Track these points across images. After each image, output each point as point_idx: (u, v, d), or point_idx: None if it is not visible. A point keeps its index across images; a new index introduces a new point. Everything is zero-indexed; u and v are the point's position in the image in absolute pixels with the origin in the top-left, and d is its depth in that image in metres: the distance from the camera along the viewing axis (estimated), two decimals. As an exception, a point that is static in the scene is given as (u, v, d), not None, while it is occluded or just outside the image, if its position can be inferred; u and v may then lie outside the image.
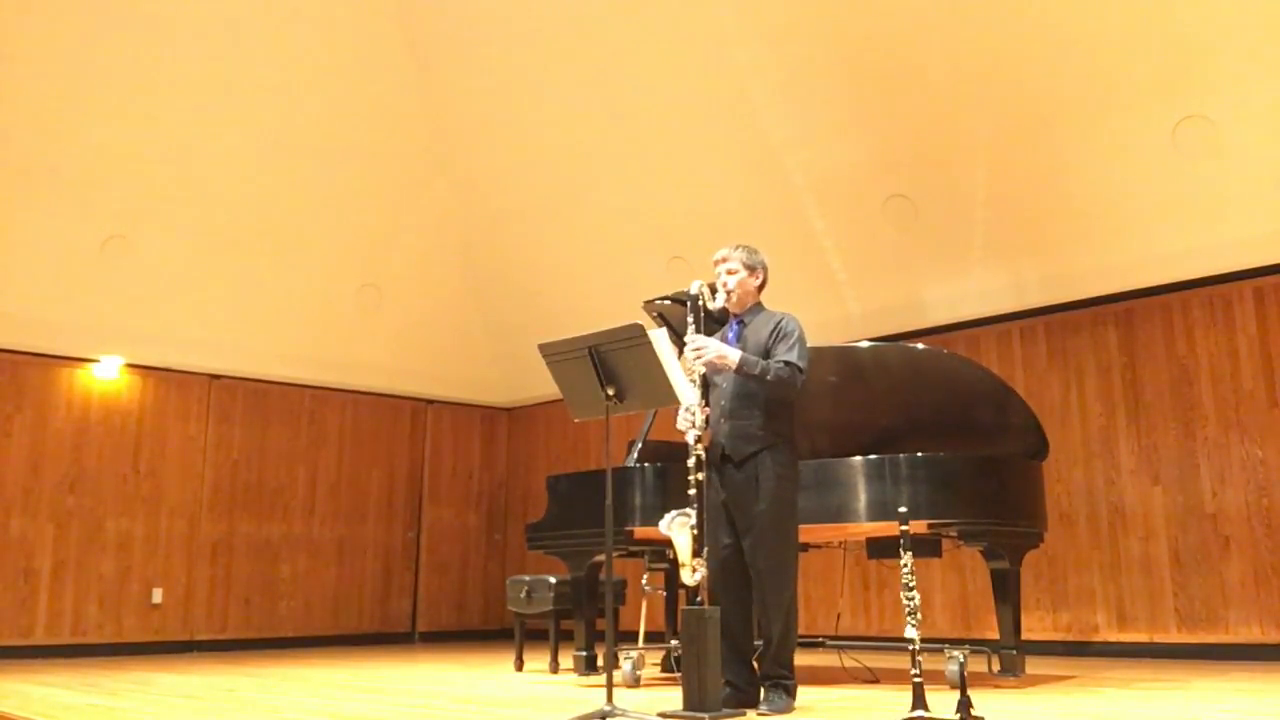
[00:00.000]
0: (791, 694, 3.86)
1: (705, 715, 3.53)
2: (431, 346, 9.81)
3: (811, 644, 5.75)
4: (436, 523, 10.18)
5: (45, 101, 7.27)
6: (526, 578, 6.19)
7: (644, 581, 5.92)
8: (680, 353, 4.10)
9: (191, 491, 8.69)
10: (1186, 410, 6.61)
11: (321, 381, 9.47)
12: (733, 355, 3.90)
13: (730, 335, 4.11)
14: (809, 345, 4.06)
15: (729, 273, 4.11)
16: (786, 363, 3.90)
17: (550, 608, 6.00)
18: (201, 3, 7.48)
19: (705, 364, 3.95)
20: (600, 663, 5.48)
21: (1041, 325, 7.31)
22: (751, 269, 4.12)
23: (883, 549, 5.28)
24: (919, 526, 4.69)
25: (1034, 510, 5.05)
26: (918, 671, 3.48)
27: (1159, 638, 6.49)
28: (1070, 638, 6.81)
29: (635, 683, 4.95)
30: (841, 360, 5.31)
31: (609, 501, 3.66)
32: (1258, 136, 5.94)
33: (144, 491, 8.45)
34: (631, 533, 5.14)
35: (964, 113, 6.62)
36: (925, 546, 5.06)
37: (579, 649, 5.56)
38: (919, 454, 4.71)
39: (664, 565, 5.84)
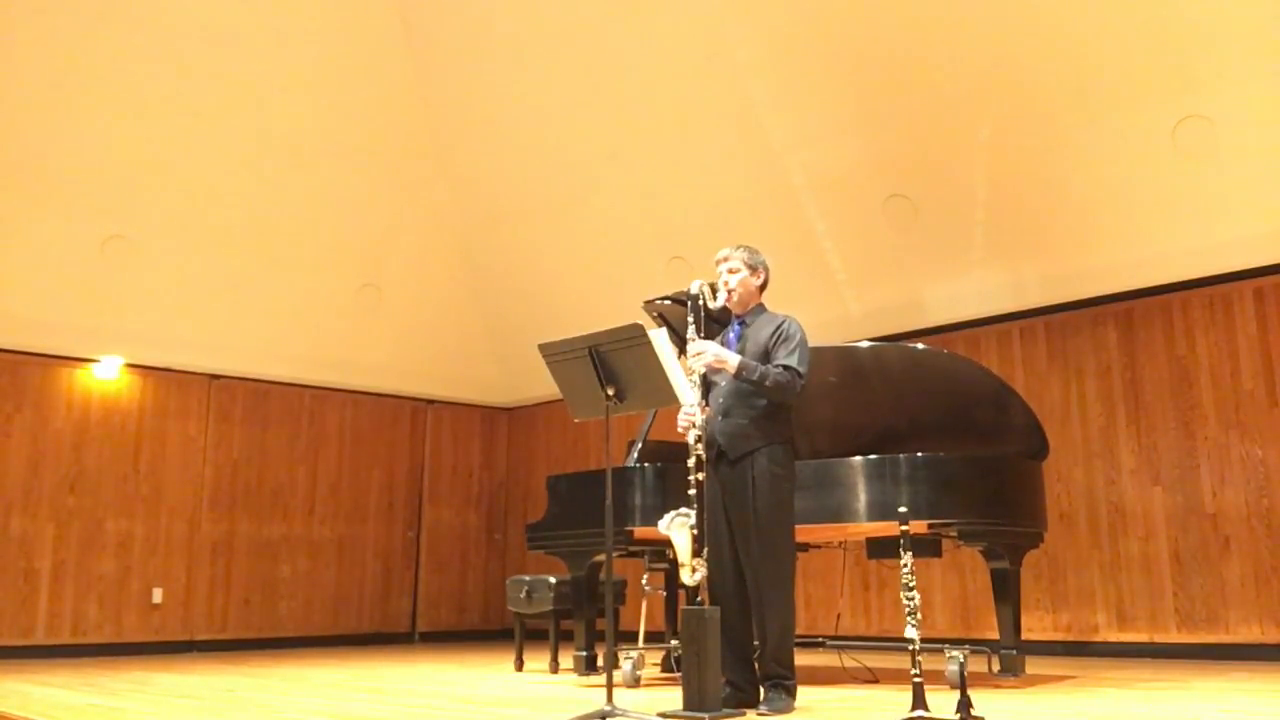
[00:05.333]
0: (792, 694, 3.85)
1: (705, 715, 3.53)
2: (431, 346, 9.81)
3: (811, 644, 5.75)
4: (436, 523, 10.18)
5: (45, 101, 7.27)
6: (526, 578, 6.19)
7: (644, 581, 5.92)
8: (680, 353, 4.10)
9: (191, 491, 8.69)
10: (1186, 410, 6.61)
11: (321, 381, 9.47)
12: (731, 360, 3.89)
13: (731, 336, 4.11)
14: (809, 346, 4.06)
15: (730, 272, 4.11)
16: (786, 367, 3.90)
17: (550, 608, 6.00)
18: (201, 3, 7.48)
19: (704, 365, 3.95)
20: (600, 663, 5.48)
21: (1041, 325, 7.31)
22: (753, 268, 4.12)
23: (883, 549, 5.28)
24: (919, 526, 4.69)
25: (1034, 510, 5.05)
26: (918, 671, 3.48)
27: (1159, 638, 6.49)
28: (1070, 638, 6.81)
29: (635, 683, 4.95)
30: (842, 360, 5.31)
31: (609, 501, 3.66)
32: (1257, 136, 5.94)
33: (144, 491, 8.45)
34: (631, 533, 5.14)
35: (964, 113, 6.63)
36: (925, 546, 5.06)
37: (579, 649, 5.56)
38: (919, 454, 4.71)
39: (664, 565, 5.84)
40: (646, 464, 5.26)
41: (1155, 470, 6.68)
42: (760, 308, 4.16)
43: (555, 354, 3.82)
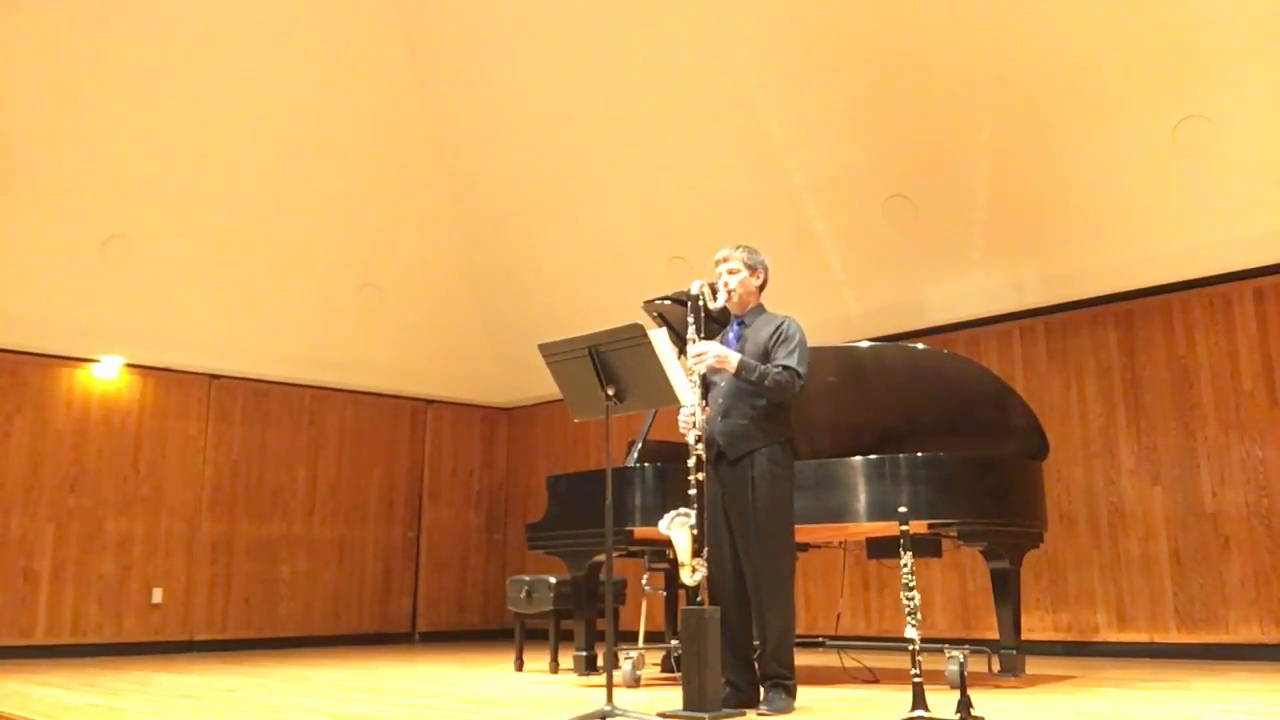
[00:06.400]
0: (792, 694, 3.86)
1: (705, 715, 3.53)
2: (431, 346, 9.81)
3: (811, 644, 5.75)
4: (436, 523, 10.18)
5: (45, 101, 7.27)
6: (526, 578, 6.19)
7: (644, 581, 5.92)
8: (680, 352, 4.10)
9: (191, 491, 8.69)
10: (1186, 410, 6.61)
11: (321, 381, 9.47)
12: (733, 359, 3.90)
13: (731, 336, 4.11)
14: (809, 346, 4.06)
15: (730, 272, 4.11)
16: (785, 367, 3.90)
17: (550, 608, 6.00)
18: (201, 3, 7.48)
19: (706, 367, 3.95)
20: (600, 663, 5.48)
21: (1041, 325, 7.31)
22: (753, 269, 4.12)
23: (883, 549, 5.28)
24: (919, 526, 4.69)
25: (1034, 510, 5.05)
26: (918, 671, 3.48)
27: (1159, 638, 6.49)
28: (1070, 638, 6.81)
29: (635, 683, 4.95)
30: (841, 360, 5.31)
31: (609, 501, 3.66)
32: (1258, 136, 5.94)
33: (144, 491, 8.45)
34: (631, 533, 5.14)
35: (964, 113, 6.62)
36: (925, 546, 5.06)
37: (579, 649, 5.56)
38: (919, 454, 4.71)
39: (664, 565, 5.84)
40: (646, 464, 5.26)
41: (1155, 470, 6.68)
42: (760, 308, 4.16)
43: (555, 354, 3.82)
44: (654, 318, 5.27)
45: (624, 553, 5.59)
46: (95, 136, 7.52)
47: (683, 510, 3.78)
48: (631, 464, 5.34)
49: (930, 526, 4.77)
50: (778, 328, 4.03)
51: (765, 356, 3.96)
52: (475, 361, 10.16)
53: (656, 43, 7.39)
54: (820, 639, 5.85)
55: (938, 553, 5.22)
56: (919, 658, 3.48)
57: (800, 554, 4.65)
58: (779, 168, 7.39)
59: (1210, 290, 6.62)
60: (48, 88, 7.24)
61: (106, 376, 8.42)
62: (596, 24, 7.52)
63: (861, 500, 4.67)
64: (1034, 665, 5.57)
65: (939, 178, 6.95)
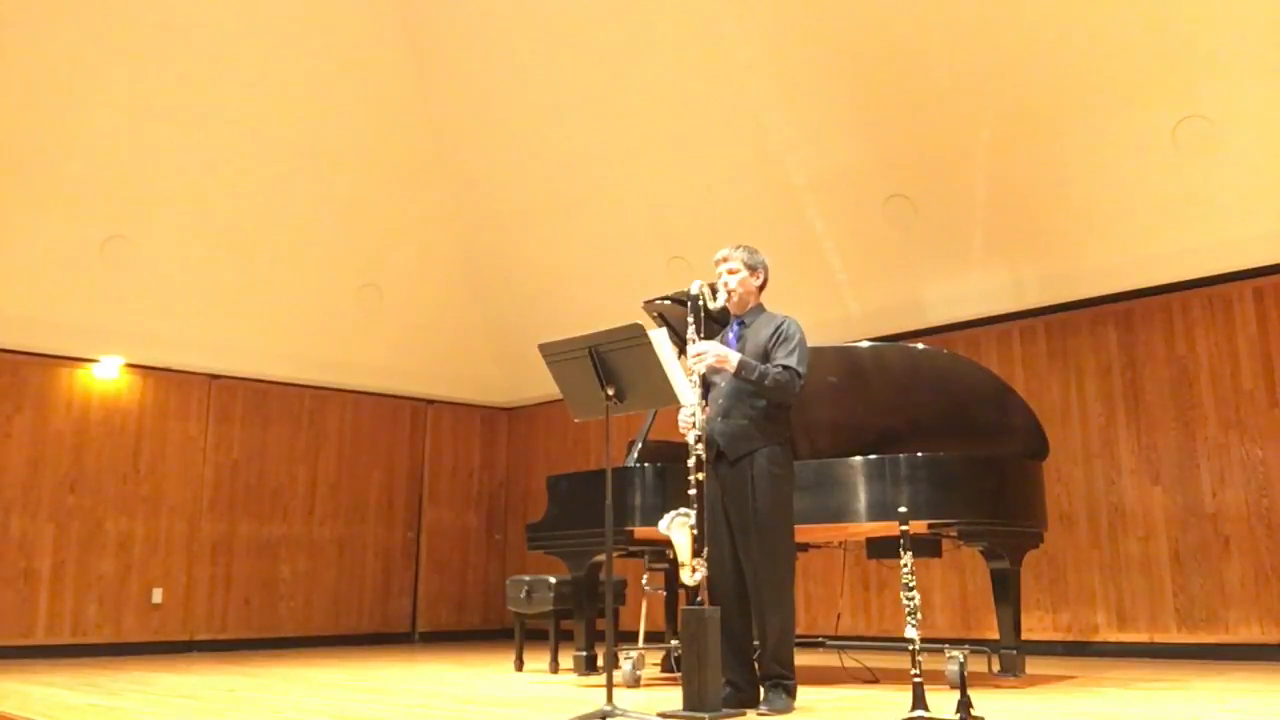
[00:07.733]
0: (792, 694, 3.86)
1: (705, 715, 3.53)
2: (431, 346, 9.81)
3: (811, 644, 5.75)
4: (436, 523, 10.18)
5: (45, 101, 7.27)
6: (526, 578, 6.19)
7: (644, 581, 5.92)
8: (680, 352, 4.10)
9: (191, 491, 8.69)
10: (1186, 410, 6.61)
11: (321, 381, 9.47)
12: (733, 359, 3.90)
13: (731, 336, 4.11)
14: (809, 346, 4.06)
15: (730, 272, 4.11)
16: (785, 367, 3.91)
17: (550, 608, 6.00)
18: (201, 3, 7.48)
19: (706, 366, 3.95)
20: (600, 663, 5.48)
21: (1041, 325, 7.31)
22: (753, 269, 4.12)
23: (883, 549, 5.28)
24: (919, 526, 4.69)
25: (1034, 510, 5.05)
26: (918, 671, 3.48)
27: (1159, 638, 6.49)
28: (1070, 638, 6.82)
29: (635, 683, 4.95)
30: (841, 360, 5.31)
31: (609, 501, 3.66)
32: (1257, 136, 5.94)
33: (144, 491, 8.45)
34: (631, 533, 5.14)
35: (964, 113, 6.63)
36: (925, 546, 5.06)
37: (579, 649, 5.56)
38: (919, 454, 4.71)
39: (664, 565, 5.84)
40: (646, 464, 5.26)
41: (1155, 470, 6.68)
42: (759, 308, 4.16)
43: (555, 354, 3.82)
44: (654, 318, 5.27)
45: (624, 553, 5.59)
46: (95, 136, 7.52)
47: (683, 510, 3.78)
48: (631, 464, 5.34)
49: (930, 526, 4.77)
50: (777, 328, 4.03)
51: (765, 356, 3.96)
52: (475, 361, 10.16)
53: (657, 43, 7.39)
54: (820, 639, 5.86)
55: (938, 553, 5.22)
56: (919, 658, 3.48)
57: (800, 554, 4.65)
58: (779, 168, 7.40)
59: (1210, 290, 6.62)
60: (48, 88, 7.24)
61: (106, 376, 8.42)
62: (597, 24, 7.53)
63: (861, 500, 4.67)
64: (1034, 665, 5.57)
65: (939, 178, 6.95)
